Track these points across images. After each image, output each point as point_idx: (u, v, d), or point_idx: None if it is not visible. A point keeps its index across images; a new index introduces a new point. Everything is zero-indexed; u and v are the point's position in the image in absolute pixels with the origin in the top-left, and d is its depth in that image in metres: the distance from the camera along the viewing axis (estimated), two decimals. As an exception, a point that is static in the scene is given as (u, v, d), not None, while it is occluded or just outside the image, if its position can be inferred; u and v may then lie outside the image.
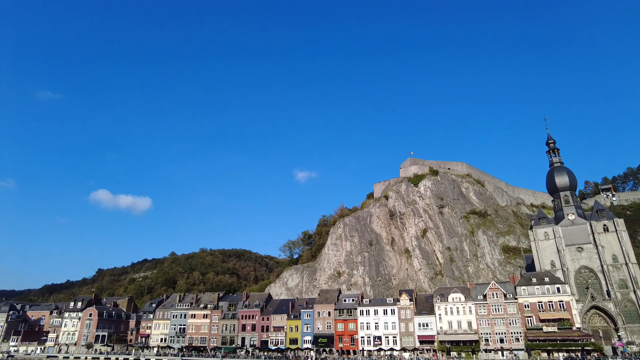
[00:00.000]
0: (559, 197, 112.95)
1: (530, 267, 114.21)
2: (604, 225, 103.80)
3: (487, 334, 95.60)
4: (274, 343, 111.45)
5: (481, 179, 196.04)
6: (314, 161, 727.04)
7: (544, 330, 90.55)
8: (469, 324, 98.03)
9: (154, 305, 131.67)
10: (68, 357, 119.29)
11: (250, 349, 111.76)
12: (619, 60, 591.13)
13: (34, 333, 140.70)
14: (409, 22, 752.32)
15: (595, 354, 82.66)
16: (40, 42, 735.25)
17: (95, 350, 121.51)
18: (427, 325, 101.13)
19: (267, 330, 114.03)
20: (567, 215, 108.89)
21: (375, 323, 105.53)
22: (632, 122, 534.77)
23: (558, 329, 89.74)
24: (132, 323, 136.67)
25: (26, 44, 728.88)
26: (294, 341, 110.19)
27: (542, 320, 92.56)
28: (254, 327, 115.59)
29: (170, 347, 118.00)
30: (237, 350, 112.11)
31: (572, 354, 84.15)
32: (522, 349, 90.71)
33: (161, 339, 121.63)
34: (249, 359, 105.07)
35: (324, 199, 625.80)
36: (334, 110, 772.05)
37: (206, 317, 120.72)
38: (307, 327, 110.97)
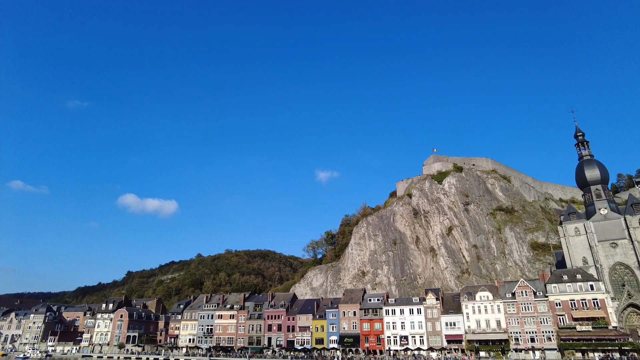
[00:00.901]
0: (590, 191, 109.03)
1: (561, 264, 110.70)
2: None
3: (517, 333, 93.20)
4: (300, 343, 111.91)
5: (507, 175, 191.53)
6: (335, 161, 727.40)
7: (578, 330, 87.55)
8: (498, 322, 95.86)
9: (181, 306, 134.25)
10: (102, 357, 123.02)
11: (276, 349, 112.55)
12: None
13: (70, 333, 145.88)
14: (431, 20, 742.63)
15: (635, 354, 79.32)
16: (67, 52, 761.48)
17: (127, 350, 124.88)
18: (454, 325, 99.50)
19: (293, 330, 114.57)
20: (599, 209, 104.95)
21: (402, 322, 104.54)
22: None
23: (593, 328, 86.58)
24: (161, 324, 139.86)
25: (54, 54, 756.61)
26: (319, 341, 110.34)
27: (575, 319, 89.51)
28: (279, 327, 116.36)
29: (198, 348, 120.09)
30: (264, 350, 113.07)
31: (609, 354, 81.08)
32: (555, 349, 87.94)
33: (189, 340, 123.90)
34: (275, 359, 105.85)
35: (346, 199, 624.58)
36: (354, 110, 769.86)
37: (233, 318, 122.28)
38: (333, 327, 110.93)
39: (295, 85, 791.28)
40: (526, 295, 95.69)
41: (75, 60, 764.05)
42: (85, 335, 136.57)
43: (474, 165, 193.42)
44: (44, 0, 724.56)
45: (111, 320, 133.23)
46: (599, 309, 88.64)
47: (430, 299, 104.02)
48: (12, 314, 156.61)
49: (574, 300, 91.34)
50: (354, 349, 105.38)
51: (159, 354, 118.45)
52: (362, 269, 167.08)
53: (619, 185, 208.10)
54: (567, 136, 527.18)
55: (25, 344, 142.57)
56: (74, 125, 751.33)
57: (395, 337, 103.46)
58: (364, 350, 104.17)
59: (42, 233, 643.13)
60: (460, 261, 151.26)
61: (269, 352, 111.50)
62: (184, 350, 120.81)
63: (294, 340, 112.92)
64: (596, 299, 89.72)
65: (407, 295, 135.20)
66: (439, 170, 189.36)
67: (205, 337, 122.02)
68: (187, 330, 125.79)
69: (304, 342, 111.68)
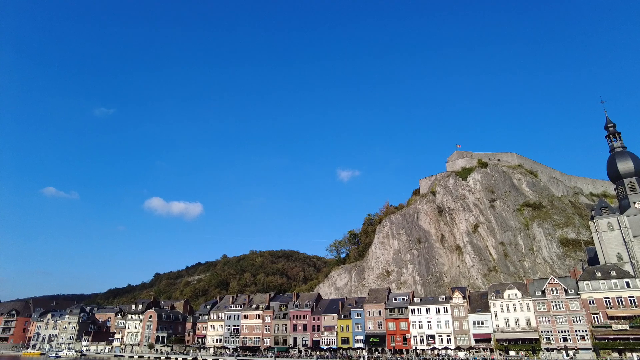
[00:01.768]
0: (623, 184, 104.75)
1: (593, 260, 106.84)
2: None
3: (548, 332, 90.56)
4: (325, 343, 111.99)
5: (533, 169, 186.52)
6: (357, 160, 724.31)
7: (614, 329, 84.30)
8: (528, 321, 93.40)
9: (208, 306, 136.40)
10: (133, 357, 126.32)
11: (302, 349, 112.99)
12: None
13: (102, 334, 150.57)
14: (452, 17, 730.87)
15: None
16: (92, 61, 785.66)
17: (157, 350, 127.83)
18: (482, 323, 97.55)
19: (318, 330, 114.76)
20: (634, 203, 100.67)
21: (428, 322, 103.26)
22: None
23: (630, 326, 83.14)
24: (188, 324, 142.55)
25: (80, 63, 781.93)
26: (345, 341, 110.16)
27: (611, 318, 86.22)
28: (305, 327, 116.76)
29: (225, 348, 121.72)
30: (290, 350, 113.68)
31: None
32: (589, 349, 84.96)
33: (216, 340, 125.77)
34: (301, 359, 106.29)
35: (369, 198, 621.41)
36: (374, 109, 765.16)
37: (258, 318, 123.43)
38: (358, 326, 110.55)
39: (316, 87, 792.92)
40: (557, 293, 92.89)
41: (99, 68, 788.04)
42: (116, 336, 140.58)
43: (499, 160, 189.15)
44: (65, 12, 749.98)
45: (141, 321, 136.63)
46: (636, 306, 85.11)
47: (457, 298, 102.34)
48: (49, 315, 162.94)
49: (608, 298, 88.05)
50: (380, 349, 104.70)
51: (187, 354, 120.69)
52: (387, 268, 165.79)
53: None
54: (597, 128, 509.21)
55: (61, 343, 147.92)
56: (101, 132, 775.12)
57: (422, 336, 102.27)
58: (390, 350, 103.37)
59: (74, 237, 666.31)
60: (487, 259, 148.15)
61: (295, 352, 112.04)
62: (212, 350, 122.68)
63: (319, 340, 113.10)
64: (633, 297, 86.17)
65: (433, 294, 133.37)
66: (463, 166, 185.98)
67: (232, 337, 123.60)
68: (214, 330, 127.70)
69: (330, 341, 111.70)
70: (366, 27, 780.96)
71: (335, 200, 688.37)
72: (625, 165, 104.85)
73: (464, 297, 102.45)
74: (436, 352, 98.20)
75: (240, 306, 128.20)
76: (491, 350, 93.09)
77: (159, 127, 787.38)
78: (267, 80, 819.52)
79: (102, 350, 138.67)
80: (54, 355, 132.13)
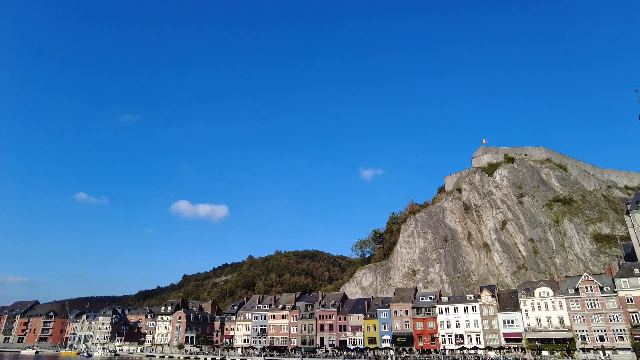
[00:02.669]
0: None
1: (630, 256, 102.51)
2: None
3: (583, 331, 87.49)
4: (352, 342, 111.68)
5: (563, 163, 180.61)
6: (379, 158, 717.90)
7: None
8: (561, 320, 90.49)
9: (235, 307, 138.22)
10: (163, 357, 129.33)
11: (329, 349, 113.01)
12: None
13: (134, 334, 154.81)
14: (477, 15, 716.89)
15: None
16: (117, 68, 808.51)
17: (186, 350, 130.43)
18: (512, 322, 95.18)
19: (345, 329, 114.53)
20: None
21: (456, 321, 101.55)
22: None
23: (670, 325, 79.62)
24: (216, 325, 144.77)
25: (107, 71, 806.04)
26: (372, 340, 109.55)
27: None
28: (331, 327, 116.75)
29: (253, 348, 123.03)
30: (317, 350, 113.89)
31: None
32: (629, 349, 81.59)
33: (244, 340, 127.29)
34: (329, 359, 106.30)
35: (392, 196, 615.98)
36: (396, 106, 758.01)
37: (285, 318, 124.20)
38: (385, 326, 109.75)
39: (337, 87, 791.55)
40: (591, 290, 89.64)
41: (125, 75, 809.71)
42: (147, 336, 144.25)
43: (526, 155, 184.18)
44: (88, 23, 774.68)
45: (170, 322, 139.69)
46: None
47: (486, 296, 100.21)
48: (84, 316, 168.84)
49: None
50: (407, 348, 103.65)
51: (216, 354, 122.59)
52: (413, 268, 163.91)
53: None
54: (631, 118, 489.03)
55: (96, 343, 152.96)
56: (128, 138, 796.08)
57: (450, 336, 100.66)
58: (417, 350, 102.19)
59: (105, 240, 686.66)
60: (516, 256, 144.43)
61: (322, 352, 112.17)
62: (239, 350, 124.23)
63: (346, 340, 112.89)
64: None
65: (460, 293, 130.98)
66: (488, 162, 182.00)
67: (259, 337, 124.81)
68: (241, 330, 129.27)
69: (356, 341, 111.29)
70: (390, 26, 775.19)
71: (358, 200, 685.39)
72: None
73: (492, 296, 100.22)
74: (465, 351, 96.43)
75: (267, 306, 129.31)
76: (523, 350, 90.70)
77: (183, 131, 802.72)
78: (288, 81, 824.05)
79: (134, 350, 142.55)
80: (85, 355, 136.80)
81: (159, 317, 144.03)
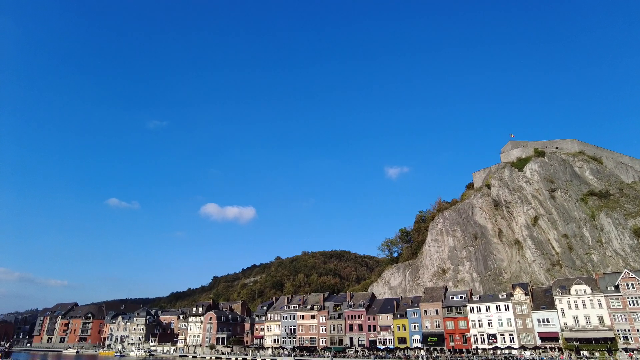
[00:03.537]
0: None
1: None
2: None
3: (625, 331, 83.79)
4: (382, 342, 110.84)
5: (597, 155, 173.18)
6: (405, 156, 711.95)
7: (701, 325, 76.57)
8: (600, 319, 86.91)
9: (265, 308, 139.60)
10: (196, 357, 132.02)
11: (359, 349, 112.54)
12: None
13: (167, 335, 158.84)
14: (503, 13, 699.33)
15: None
16: (144, 75, 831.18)
17: (217, 350, 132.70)
18: (547, 321, 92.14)
19: (374, 329, 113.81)
20: None
21: (488, 320, 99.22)
22: None
23: None
24: (246, 325, 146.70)
25: (134, 79, 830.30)
26: (402, 340, 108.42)
27: (697, 313, 78.33)
28: (360, 327, 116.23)
29: (282, 348, 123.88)
30: (346, 350, 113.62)
31: None
32: (674, 348, 77.74)
33: (274, 340, 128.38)
34: (359, 359, 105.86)
35: (419, 194, 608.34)
36: (421, 103, 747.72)
37: (314, 318, 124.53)
38: (415, 325, 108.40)
39: (360, 86, 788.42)
40: (633, 288, 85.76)
41: (151, 81, 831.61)
42: (180, 337, 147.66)
43: (557, 148, 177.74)
44: (111, 31, 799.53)
45: (201, 323, 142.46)
46: None
47: (519, 295, 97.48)
48: (119, 318, 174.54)
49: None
50: (438, 348, 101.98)
51: (246, 355, 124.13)
52: (442, 266, 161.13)
53: None
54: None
55: (131, 344, 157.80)
56: (156, 144, 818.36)
57: (483, 335, 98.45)
58: (449, 349, 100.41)
59: (137, 244, 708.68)
60: (550, 253, 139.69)
61: (351, 352, 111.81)
62: (270, 350, 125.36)
63: (375, 340, 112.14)
64: None
65: (492, 292, 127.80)
66: (518, 156, 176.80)
67: (289, 338, 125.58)
68: (271, 331, 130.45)
69: (386, 341, 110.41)
70: (418, 24, 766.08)
71: (384, 198, 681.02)
72: None
73: (526, 294, 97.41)
74: (499, 351, 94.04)
75: (296, 306, 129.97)
76: (560, 350, 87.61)
77: (208, 135, 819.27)
78: (311, 83, 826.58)
79: (167, 350, 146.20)
80: (119, 354, 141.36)
81: (190, 318, 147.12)
